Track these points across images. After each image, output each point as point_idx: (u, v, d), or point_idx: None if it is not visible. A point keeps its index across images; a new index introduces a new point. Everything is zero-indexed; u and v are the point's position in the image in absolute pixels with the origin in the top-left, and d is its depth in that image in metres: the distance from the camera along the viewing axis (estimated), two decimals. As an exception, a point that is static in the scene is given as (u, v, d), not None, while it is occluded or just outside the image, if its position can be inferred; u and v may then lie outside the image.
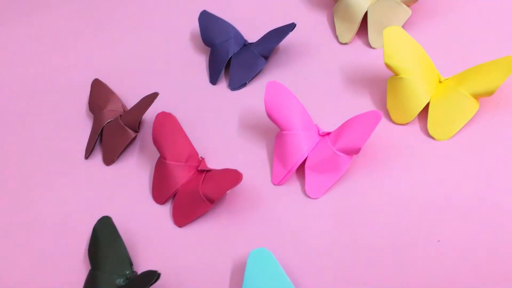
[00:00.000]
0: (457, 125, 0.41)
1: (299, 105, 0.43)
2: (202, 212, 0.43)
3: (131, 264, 0.41)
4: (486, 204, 0.38)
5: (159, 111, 0.46)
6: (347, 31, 0.51)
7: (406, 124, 0.44)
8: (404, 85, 0.43)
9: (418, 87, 0.42)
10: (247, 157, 0.46)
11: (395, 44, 0.42)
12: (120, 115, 0.50)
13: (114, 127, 0.50)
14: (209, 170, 0.44)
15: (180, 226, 0.44)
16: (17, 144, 0.53)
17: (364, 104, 0.46)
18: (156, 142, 0.45)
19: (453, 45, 0.47)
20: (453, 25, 0.49)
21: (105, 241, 0.43)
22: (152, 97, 0.47)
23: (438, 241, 0.37)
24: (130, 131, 0.49)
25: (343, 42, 0.51)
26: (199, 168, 0.44)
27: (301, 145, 0.42)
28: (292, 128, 0.43)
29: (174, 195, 0.45)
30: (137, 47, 0.59)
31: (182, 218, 0.44)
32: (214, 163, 0.46)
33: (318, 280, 0.38)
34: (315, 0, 0.56)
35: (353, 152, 0.40)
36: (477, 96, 0.41)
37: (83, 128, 0.53)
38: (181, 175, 0.44)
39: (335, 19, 0.52)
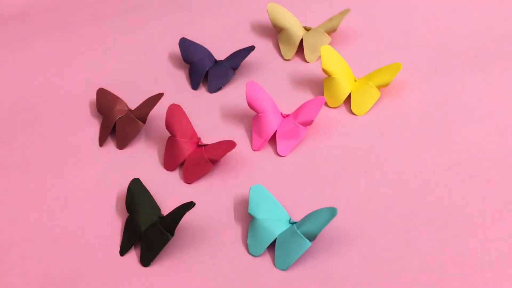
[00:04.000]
0: (368, 105, 0.65)
1: (269, 97, 0.64)
2: (206, 171, 0.60)
3: (159, 209, 0.58)
4: (393, 148, 0.62)
5: (157, 110, 0.64)
6: (289, 51, 0.73)
7: (337, 107, 0.66)
8: (335, 82, 0.65)
9: (343, 83, 0.65)
10: (231, 136, 0.64)
11: (328, 56, 0.65)
12: (130, 111, 0.67)
13: (126, 120, 0.66)
14: (206, 144, 0.62)
15: (189, 183, 0.61)
16: (35, 146, 0.65)
17: (308, 97, 0.67)
18: (168, 125, 0.62)
19: (360, 58, 0.70)
20: (359, 45, 0.73)
21: (137, 195, 0.57)
22: (159, 95, 0.65)
23: (365, 172, 0.60)
24: (140, 122, 0.66)
25: (287, 58, 0.73)
26: (199, 143, 0.63)
27: (272, 122, 0.63)
28: (266, 111, 0.63)
29: (182, 164, 0.63)
30: (127, 68, 0.74)
31: (191, 177, 0.61)
32: (206, 142, 0.64)
33: (294, 202, 0.58)
34: (263, 31, 0.77)
35: (307, 123, 0.62)
36: (378, 87, 0.65)
37: (91, 127, 0.67)
38: (187, 148, 0.62)
39: (279, 43, 0.74)
